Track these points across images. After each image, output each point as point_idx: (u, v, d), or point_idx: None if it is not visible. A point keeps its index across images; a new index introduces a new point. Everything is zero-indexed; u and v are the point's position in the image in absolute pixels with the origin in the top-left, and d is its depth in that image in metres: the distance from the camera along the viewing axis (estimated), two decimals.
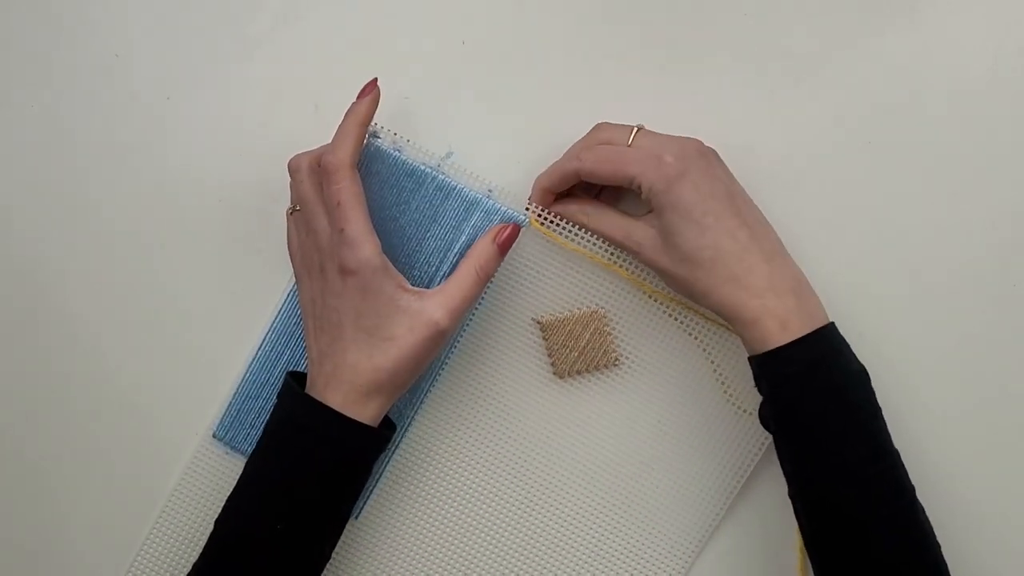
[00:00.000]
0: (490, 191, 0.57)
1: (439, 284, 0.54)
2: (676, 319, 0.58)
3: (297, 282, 0.55)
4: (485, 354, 0.59)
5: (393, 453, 0.59)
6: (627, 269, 0.57)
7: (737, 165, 0.58)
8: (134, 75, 0.61)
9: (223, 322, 0.61)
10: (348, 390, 0.50)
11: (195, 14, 0.61)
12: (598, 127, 0.55)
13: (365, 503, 0.60)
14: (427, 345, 0.50)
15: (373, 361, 0.50)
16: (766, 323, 0.49)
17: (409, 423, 0.59)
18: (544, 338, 0.58)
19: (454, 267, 0.54)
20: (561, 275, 0.58)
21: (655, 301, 0.58)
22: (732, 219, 0.50)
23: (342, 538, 0.58)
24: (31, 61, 0.62)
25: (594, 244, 0.56)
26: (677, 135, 0.53)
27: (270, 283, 0.60)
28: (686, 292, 0.52)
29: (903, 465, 0.49)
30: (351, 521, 0.60)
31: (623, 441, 0.59)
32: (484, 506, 0.60)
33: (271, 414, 0.53)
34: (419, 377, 0.54)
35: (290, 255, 0.55)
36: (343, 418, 0.50)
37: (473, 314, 0.59)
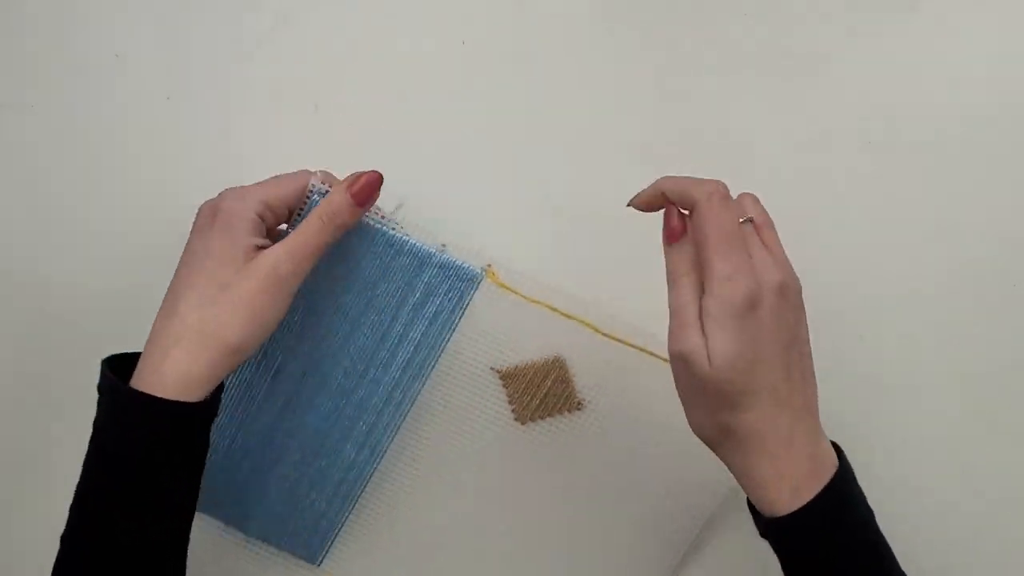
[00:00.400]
0: (443, 245, 0.55)
1: (396, 349, 0.55)
2: (638, 360, 0.56)
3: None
4: (444, 403, 0.57)
5: (355, 503, 0.58)
6: (588, 318, 0.55)
7: (736, 165, 0.58)
8: (134, 75, 0.61)
9: None
10: (185, 349, 0.45)
11: (195, 14, 0.61)
12: (743, 195, 0.48)
13: (327, 552, 0.59)
14: (263, 290, 0.46)
15: (208, 310, 0.46)
16: (777, 487, 0.44)
17: (371, 474, 0.58)
18: (504, 387, 0.57)
19: (409, 324, 0.55)
20: (520, 323, 0.56)
21: (617, 345, 0.55)
22: (779, 371, 0.44)
23: None
24: (31, 61, 0.62)
25: (554, 296, 0.55)
26: (782, 264, 0.46)
27: None
28: (697, 415, 0.46)
29: None
30: (313, 569, 0.59)
31: (588, 480, 0.58)
32: (448, 553, 0.59)
33: (97, 411, 0.47)
34: (373, 426, 0.54)
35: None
36: (167, 403, 0.44)
37: (432, 365, 0.56)
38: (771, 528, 0.45)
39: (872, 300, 0.59)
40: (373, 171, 0.50)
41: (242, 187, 0.50)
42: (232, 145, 0.61)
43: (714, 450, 0.46)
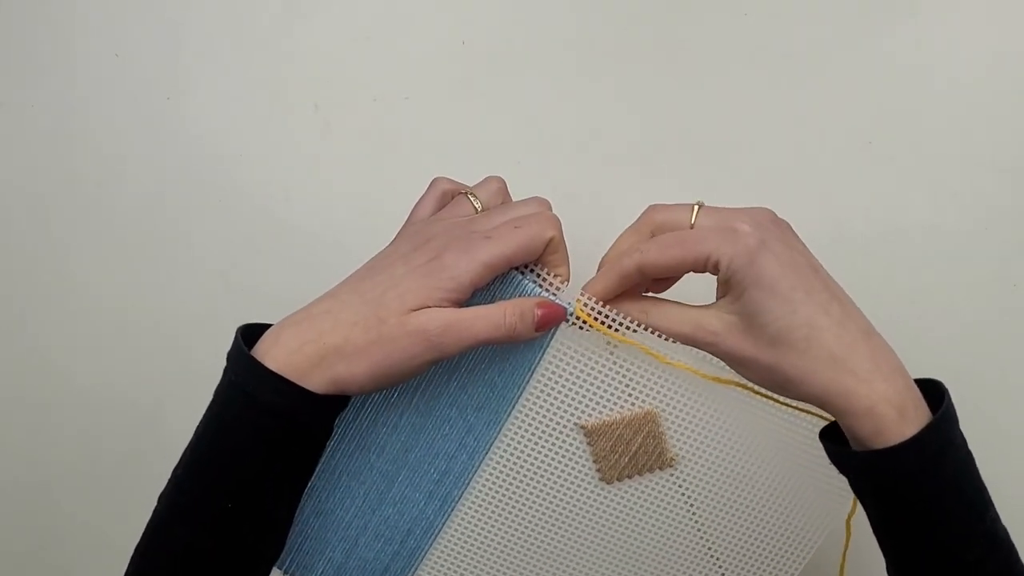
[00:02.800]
0: (532, 268, 0.47)
1: (469, 386, 0.48)
2: (739, 407, 0.50)
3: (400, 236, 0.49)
4: (523, 457, 0.51)
5: (422, 558, 0.53)
6: (686, 361, 0.48)
7: (737, 166, 0.58)
8: (134, 75, 0.61)
9: (223, 323, 0.61)
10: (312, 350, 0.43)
11: (195, 14, 0.61)
12: (650, 209, 0.47)
13: None
14: (404, 345, 0.44)
15: (352, 328, 0.44)
16: (882, 411, 0.41)
17: (440, 526, 0.53)
18: (589, 444, 0.51)
19: (482, 359, 0.48)
20: (607, 373, 0.49)
21: (720, 389, 0.49)
22: (822, 293, 0.44)
23: None
24: (31, 61, 0.62)
25: (649, 335, 0.47)
26: (744, 207, 0.46)
27: (271, 282, 0.60)
28: (775, 382, 0.44)
29: (1015, 550, 0.44)
30: None
31: (676, 539, 0.54)
32: None
33: (222, 378, 0.45)
34: (445, 474, 0.50)
35: (416, 210, 0.49)
36: (291, 385, 0.43)
37: (511, 409, 0.50)
38: (879, 463, 0.42)
39: (872, 300, 0.59)
40: (561, 307, 0.46)
41: (469, 232, 0.45)
42: (232, 145, 0.61)
43: (802, 396, 0.44)
